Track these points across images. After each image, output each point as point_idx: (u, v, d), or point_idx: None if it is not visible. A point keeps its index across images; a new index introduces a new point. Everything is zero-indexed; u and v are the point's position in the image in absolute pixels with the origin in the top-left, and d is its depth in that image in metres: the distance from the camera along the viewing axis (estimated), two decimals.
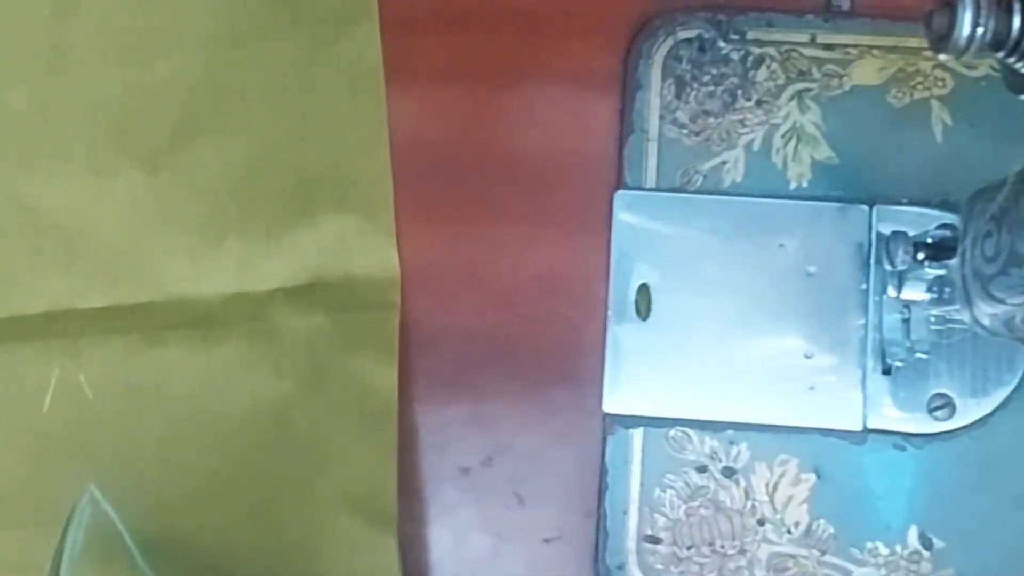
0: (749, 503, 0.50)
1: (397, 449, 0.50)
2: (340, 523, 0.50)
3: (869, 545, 0.49)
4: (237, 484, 0.51)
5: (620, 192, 0.52)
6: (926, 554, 0.49)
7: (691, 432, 0.50)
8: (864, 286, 0.50)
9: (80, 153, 0.53)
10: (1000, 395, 0.49)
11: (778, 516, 0.50)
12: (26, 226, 0.53)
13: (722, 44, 0.52)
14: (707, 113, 0.52)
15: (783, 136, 0.52)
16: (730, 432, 0.50)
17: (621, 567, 0.50)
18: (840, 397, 0.50)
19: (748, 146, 0.52)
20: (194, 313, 0.52)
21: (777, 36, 0.52)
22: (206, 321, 0.52)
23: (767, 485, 0.50)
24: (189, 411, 0.52)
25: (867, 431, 0.49)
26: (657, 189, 0.52)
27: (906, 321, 0.49)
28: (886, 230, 0.49)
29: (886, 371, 0.49)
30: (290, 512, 0.51)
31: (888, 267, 0.46)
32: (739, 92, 0.52)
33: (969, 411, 0.49)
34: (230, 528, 0.51)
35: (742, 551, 0.50)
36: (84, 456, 0.51)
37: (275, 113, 0.53)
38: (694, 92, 0.52)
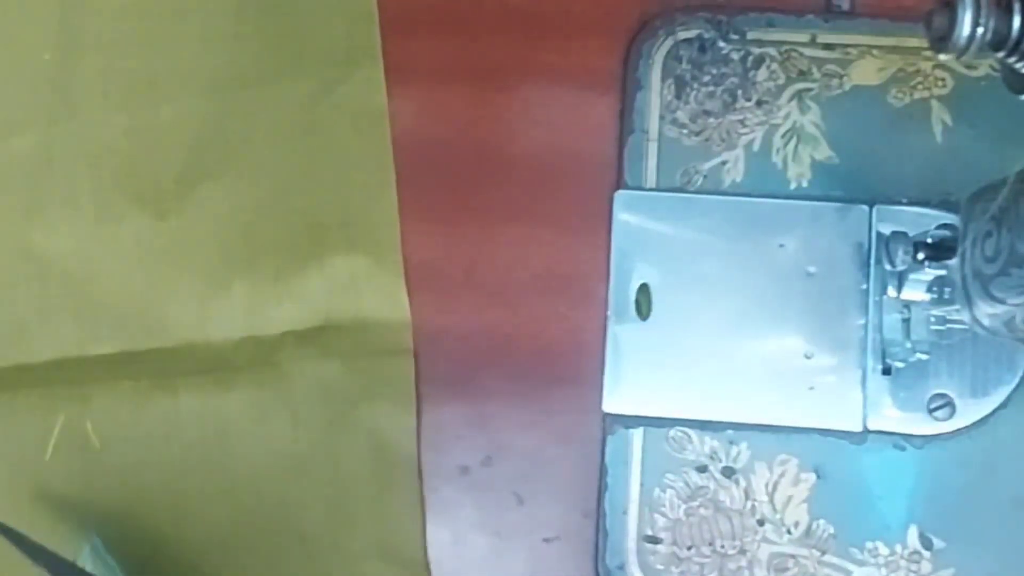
0: (749, 503, 0.50)
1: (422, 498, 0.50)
2: (372, 573, 0.50)
3: (869, 545, 0.49)
4: (252, 535, 0.51)
5: (620, 192, 0.52)
6: (926, 554, 0.49)
7: (691, 432, 0.50)
8: (864, 286, 0.50)
9: (87, 200, 0.53)
10: (1000, 395, 0.49)
11: (778, 516, 0.50)
12: (34, 274, 0.53)
13: (722, 44, 0.52)
14: (707, 113, 0.52)
15: (783, 136, 0.52)
16: (730, 432, 0.50)
17: (621, 567, 0.50)
18: (840, 397, 0.50)
19: (748, 146, 0.52)
20: (204, 359, 0.52)
21: (777, 36, 0.52)
22: (217, 367, 0.51)
23: (767, 485, 0.50)
24: (199, 459, 0.51)
25: (867, 431, 0.49)
26: (657, 189, 0.52)
27: (906, 321, 0.49)
28: (886, 230, 0.49)
29: (886, 371, 0.49)
30: (316, 564, 0.50)
31: (888, 267, 0.46)
32: (739, 92, 0.52)
33: (969, 411, 0.49)
34: None
35: (742, 551, 0.50)
36: (87, 507, 0.51)
37: (281, 156, 0.53)
38: (694, 92, 0.52)
